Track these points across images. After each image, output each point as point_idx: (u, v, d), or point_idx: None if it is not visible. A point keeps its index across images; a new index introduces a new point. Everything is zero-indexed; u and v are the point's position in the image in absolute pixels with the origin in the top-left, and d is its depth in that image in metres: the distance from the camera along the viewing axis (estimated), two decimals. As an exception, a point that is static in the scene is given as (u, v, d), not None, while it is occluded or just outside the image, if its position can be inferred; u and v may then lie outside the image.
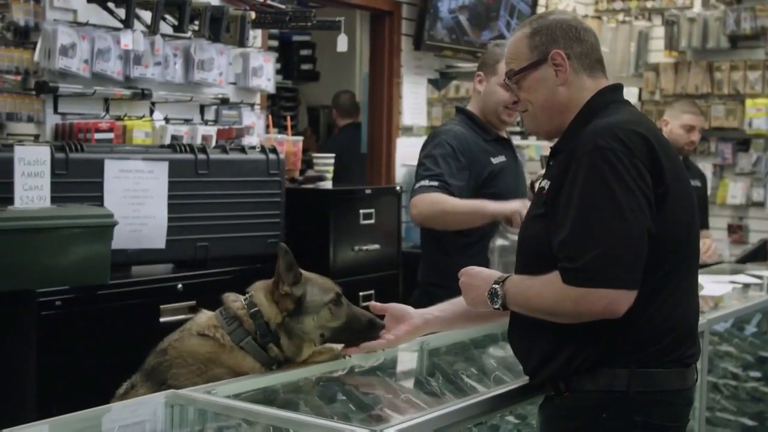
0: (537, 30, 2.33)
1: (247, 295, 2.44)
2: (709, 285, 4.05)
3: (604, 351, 2.17)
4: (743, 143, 7.57)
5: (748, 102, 7.40)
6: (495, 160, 3.60)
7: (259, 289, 2.44)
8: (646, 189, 2.11)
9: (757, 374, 4.68)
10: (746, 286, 4.31)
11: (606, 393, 2.17)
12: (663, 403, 2.20)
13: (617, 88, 2.39)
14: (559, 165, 2.22)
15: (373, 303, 2.62)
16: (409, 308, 2.60)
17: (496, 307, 2.28)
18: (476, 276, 2.38)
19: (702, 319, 3.41)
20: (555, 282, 2.13)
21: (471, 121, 3.62)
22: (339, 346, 2.52)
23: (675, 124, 4.74)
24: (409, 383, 2.68)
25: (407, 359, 2.82)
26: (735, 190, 7.53)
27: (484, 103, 3.62)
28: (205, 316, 2.45)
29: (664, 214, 2.14)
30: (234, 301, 2.44)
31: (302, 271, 2.42)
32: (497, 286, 2.27)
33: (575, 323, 2.14)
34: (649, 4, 8.00)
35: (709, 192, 6.59)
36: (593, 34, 2.38)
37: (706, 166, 7.40)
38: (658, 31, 7.93)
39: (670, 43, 7.76)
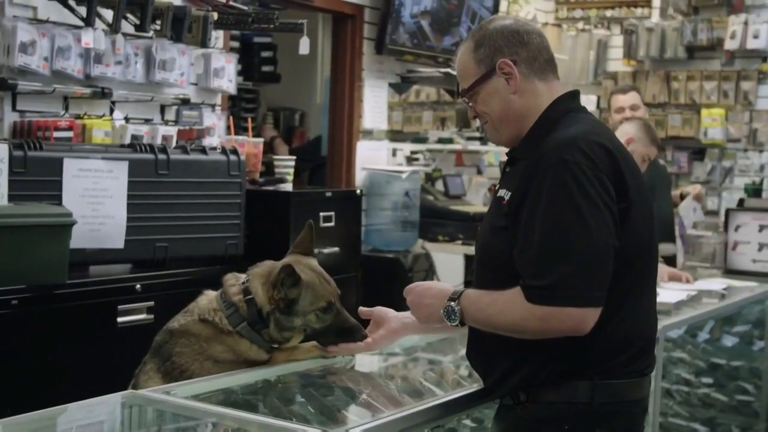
0: (480, 42, 2.29)
1: (245, 279, 2.53)
2: (664, 292, 4.11)
3: (568, 365, 2.16)
4: (699, 152, 7.69)
5: (704, 112, 7.52)
6: None
7: (256, 277, 2.51)
8: (611, 204, 2.09)
9: (708, 380, 4.75)
10: (700, 293, 4.37)
11: (569, 404, 2.17)
12: (624, 413, 2.21)
13: (574, 96, 2.36)
14: (521, 175, 2.18)
15: (361, 309, 2.64)
16: (390, 312, 2.61)
17: (454, 324, 2.24)
18: (425, 294, 2.35)
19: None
20: (518, 300, 2.09)
21: None
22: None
23: (640, 149, 4.39)
24: (368, 386, 2.69)
25: (366, 362, 2.83)
26: (690, 199, 7.62)
27: None
28: (206, 299, 2.55)
29: (626, 229, 2.12)
30: (232, 285, 2.54)
31: (301, 276, 2.47)
32: (453, 303, 2.24)
33: (538, 339, 2.13)
34: (608, 13, 8.10)
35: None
36: (538, 33, 2.32)
37: (662, 175, 7.49)
38: (617, 40, 8.02)
39: (629, 52, 7.86)
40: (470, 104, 2.34)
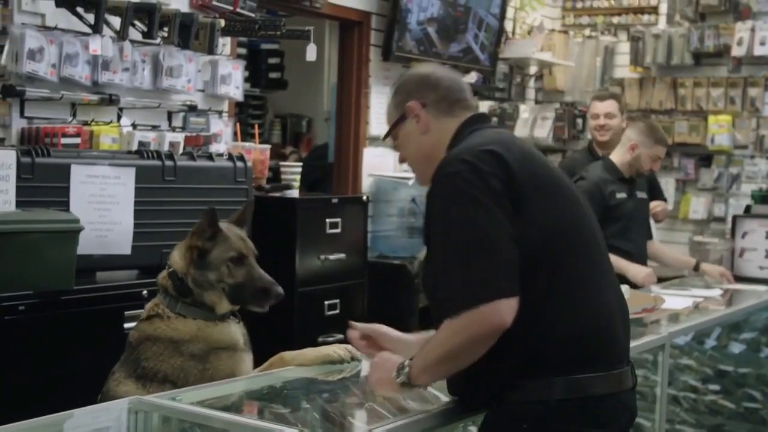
0: (397, 89, 2.49)
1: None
2: (671, 299, 4.11)
3: (518, 366, 2.17)
4: (705, 159, 7.67)
5: (711, 118, 7.50)
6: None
7: (176, 248, 2.65)
8: (499, 198, 2.13)
9: (716, 387, 4.74)
10: (706, 299, 4.37)
11: (528, 404, 2.17)
12: (586, 409, 2.18)
13: (479, 118, 2.44)
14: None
15: (352, 323, 2.60)
16: (389, 332, 2.58)
17: (399, 380, 2.22)
18: (384, 365, 2.33)
19: (663, 332, 3.47)
20: (444, 324, 2.13)
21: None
22: (338, 349, 2.65)
23: (645, 152, 4.57)
24: (373, 392, 2.69)
25: (371, 368, 2.83)
26: (697, 206, 7.62)
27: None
28: (149, 302, 2.65)
29: (523, 219, 2.15)
30: (160, 275, 2.64)
31: (222, 230, 2.60)
32: (407, 361, 2.23)
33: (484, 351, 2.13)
34: (615, 20, 8.09)
35: (671, 207, 6.69)
36: (450, 78, 2.46)
37: (669, 181, 7.50)
38: (624, 47, 8.02)
39: (636, 59, 7.85)
40: (396, 149, 2.52)
